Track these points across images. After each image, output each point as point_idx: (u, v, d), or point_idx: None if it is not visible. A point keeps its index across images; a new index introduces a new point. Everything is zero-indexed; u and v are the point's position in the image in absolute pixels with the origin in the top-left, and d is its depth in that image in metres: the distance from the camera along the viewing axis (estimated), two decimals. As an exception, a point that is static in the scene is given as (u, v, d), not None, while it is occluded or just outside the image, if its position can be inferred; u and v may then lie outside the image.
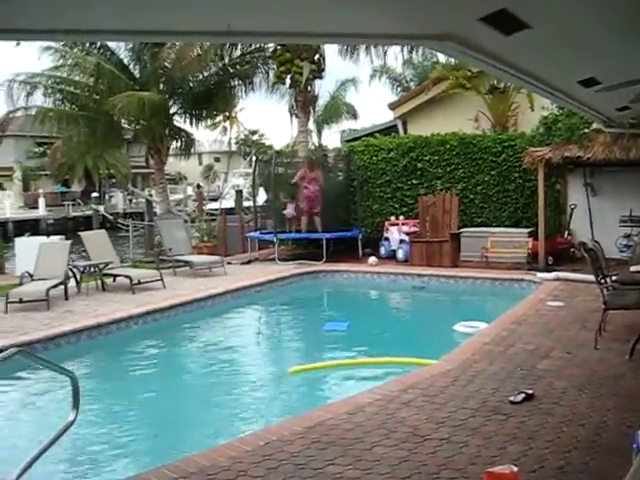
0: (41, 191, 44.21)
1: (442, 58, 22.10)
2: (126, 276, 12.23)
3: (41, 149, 46.78)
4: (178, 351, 9.97)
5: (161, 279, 12.40)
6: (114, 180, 49.33)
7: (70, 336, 9.22)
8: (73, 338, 9.25)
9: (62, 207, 44.81)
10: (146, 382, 8.19)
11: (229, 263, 15.50)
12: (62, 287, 11.52)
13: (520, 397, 5.77)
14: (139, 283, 12.30)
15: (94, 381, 8.27)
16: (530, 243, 13.66)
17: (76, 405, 3.78)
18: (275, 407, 7.15)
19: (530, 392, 5.86)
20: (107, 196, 47.79)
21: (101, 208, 38.13)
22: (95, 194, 33.48)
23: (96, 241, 13.24)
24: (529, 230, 14.10)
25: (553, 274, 12.27)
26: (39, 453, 3.50)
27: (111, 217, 27.93)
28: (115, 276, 12.68)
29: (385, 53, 18.70)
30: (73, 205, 44.49)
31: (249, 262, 15.95)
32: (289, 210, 16.28)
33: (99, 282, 12.52)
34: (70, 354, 8.93)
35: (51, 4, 3.29)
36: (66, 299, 11.45)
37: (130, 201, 46.41)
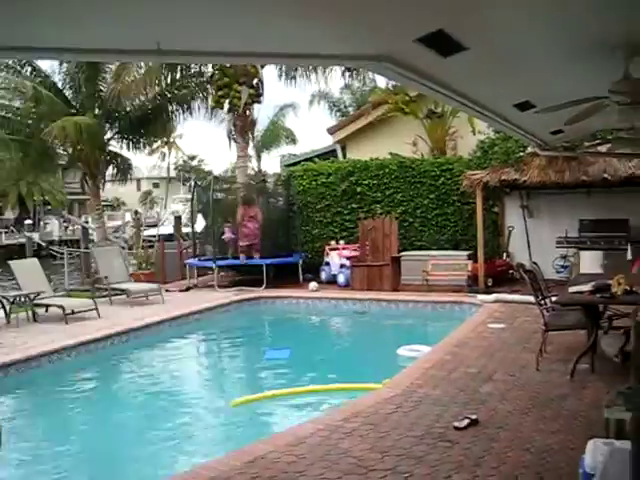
0: (-28, 219, 42.76)
1: (381, 82, 22.39)
2: (59, 306, 11.76)
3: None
4: (113, 384, 9.57)
5: (96, 308, 11.99)
6: (49, 207, 48.16)
7: (-3, 371, 8.77)
8: (0, 373, 8.80)
9: (-6, 235, 43.45)
10: (79, 418, 7.82)
11: (167, 291, 15.17)
12: (-10, 319, 11.05)
13: (465, 422, 5.67)
14: (72, 313, 11.84)
15: (22, 419, 7.84)
16: (470, 266, 13.73)
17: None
18: (217, 442, 6.85)
19: (474, 417, 5.77)
20: (42, 223, 46.59)
21: (35, 235, 37.04)
22: (28, 221, 32.51)
23: (27, 270, 12.73)
24: (468, 253, 14.18)
25: (493, 296, 12.34)
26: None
27: (45, 244, 27.18)
28: (47, 306, 12.19)
29: (327, 78, 18.72)
30: (6, 233, 43.17)
31: (188, 289, 15.65)
32: (227, 234, 16.03)
33: (30, 313, 12.02)
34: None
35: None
36: (-6, 331, 10.97)
37: (66, 228, 45.29)
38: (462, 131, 16.89)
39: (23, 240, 38.19)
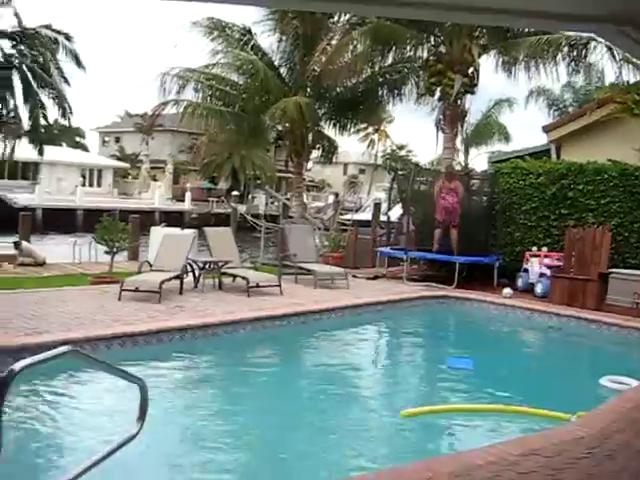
0: (189, 185, 45.59)
1: (610, 78, 20.45)
2: (243, 277, 11.73)
3: (191, 143, 48.41)
4: (282, 367, 9.20)
5: (279, 285, 11.82)
6: (259, 181, 50.15)
7: (173, 333, 8.77)
8: (176, 336, 8.80)
9: (207, 203, 46.06)
10: (241, 397, 7.50)
11: (355, 277, 14.80)
12: (178, 281, 11.22)
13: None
14: (257, 286, 11.76)
15: (185, 387, 7.69)
16: (694, 293, 11.91)
17: (142, 417, 3.12)
18: (377, 453, 6.13)
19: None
20: (250, 196, 48.64)
21: (241, 207, 38.54)
22: (235, 193, 33.88)
23: (220, 238, 12.88)
24: (694, 279, 12.34)
25: None
26: (89, 466, 2.85)
27: (249, 217, 28.12)
28: (234, 276, 12.24)
29: (548, 71, 17.01)
30: (217, 202, 45.57)
31: (375, 278, 15.14)
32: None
33: (216, 280, 12.13)
34: (169, 352, 8.49)
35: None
36: (180, 293, 11.12)
37: (272, 203, 46.85)
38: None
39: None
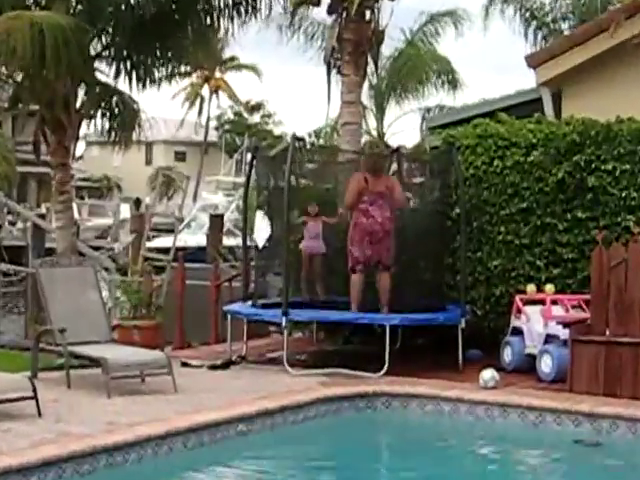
0: None
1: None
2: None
3: None
4: None
5: (35, 398, 10.59)
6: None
7: None
8: None
9: None
10: None
11: (186, 365, 14.32)
12: None
13: None
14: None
15: None
16: None
17: None
18: None
19: None
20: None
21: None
22: None
23: None
24: None
25: None
26: None
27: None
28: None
29: None
30: None
31: (226, 366, 14.53)
32: (307, 242, 14.99)
33: None
34: None
35: None
36: None
37: (13, 224, 45.24)
38: None
39: None
